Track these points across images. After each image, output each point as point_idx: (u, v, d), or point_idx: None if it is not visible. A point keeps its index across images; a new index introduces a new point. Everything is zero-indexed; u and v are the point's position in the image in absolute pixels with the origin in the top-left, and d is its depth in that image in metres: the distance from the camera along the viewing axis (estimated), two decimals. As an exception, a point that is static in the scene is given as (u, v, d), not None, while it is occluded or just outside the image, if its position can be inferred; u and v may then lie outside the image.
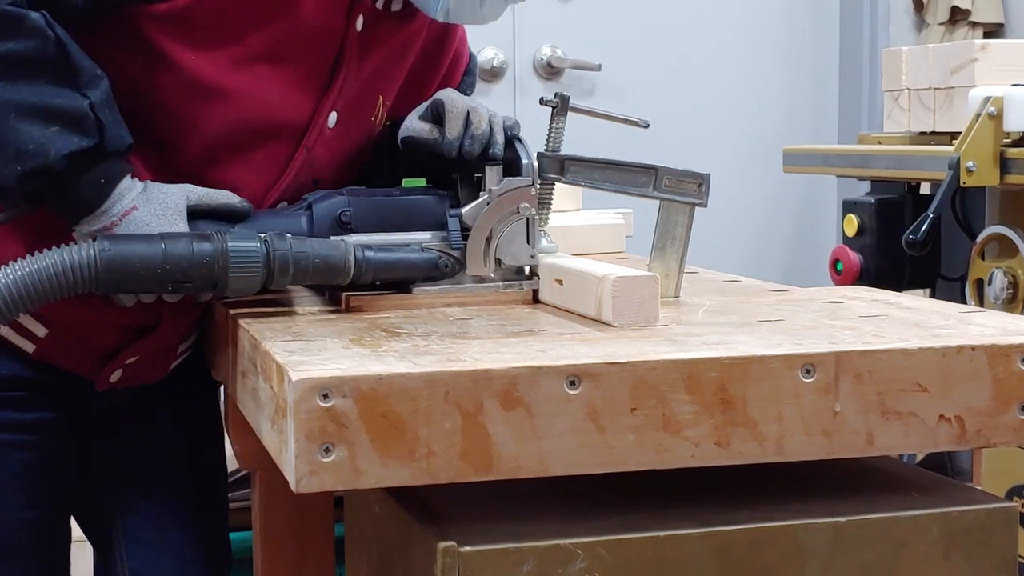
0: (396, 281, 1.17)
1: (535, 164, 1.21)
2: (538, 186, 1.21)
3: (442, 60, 1.36)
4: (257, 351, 1.00)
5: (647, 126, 1.25)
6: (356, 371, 0.87)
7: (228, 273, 1.08)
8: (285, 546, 1.16)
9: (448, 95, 1.24)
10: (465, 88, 1.39)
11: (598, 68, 3.29)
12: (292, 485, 0.87)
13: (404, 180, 1.35)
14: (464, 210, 1.19)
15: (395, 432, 0.87)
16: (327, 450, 0.86)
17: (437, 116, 1.25)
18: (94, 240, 1.07)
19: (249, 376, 1.04)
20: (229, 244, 1.09)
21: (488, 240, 1.17)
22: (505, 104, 3.26)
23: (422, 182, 1.32)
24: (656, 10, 3.36)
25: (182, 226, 1.13)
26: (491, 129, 1.21)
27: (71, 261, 1.04)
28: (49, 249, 1.05)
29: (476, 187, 1.21)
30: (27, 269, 1.03)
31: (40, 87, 1.05)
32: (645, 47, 3.34)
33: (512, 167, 1.21)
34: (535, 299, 1.20)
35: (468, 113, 1.22)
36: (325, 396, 0.86)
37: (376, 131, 1.32)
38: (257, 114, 1.19)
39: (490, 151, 1.20)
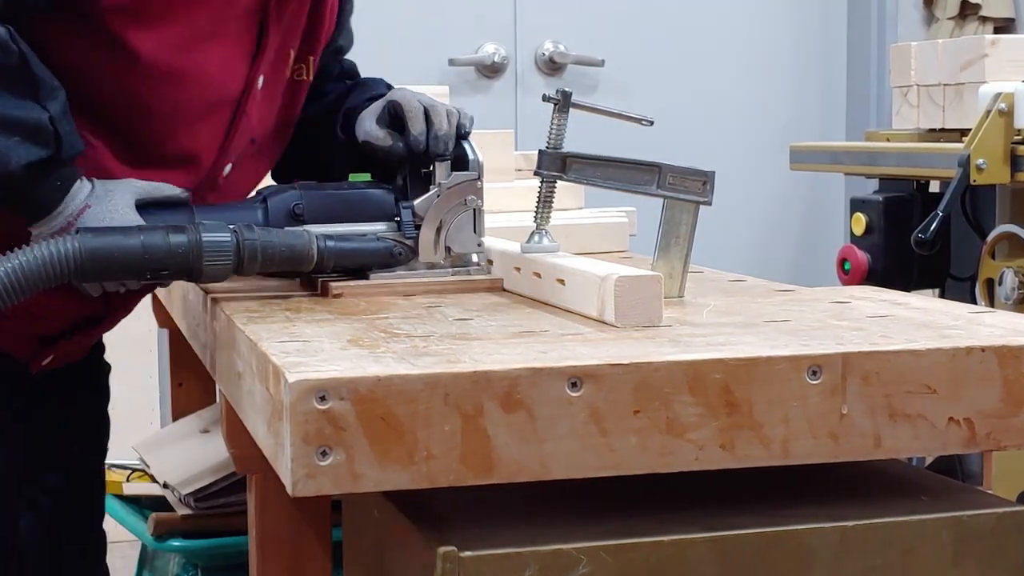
0: (354, 268, 1.28)
1: (480, 159, 1.31)
2: (482, 180, 1.31)
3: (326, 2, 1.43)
4: (254, 352, 1.00)
5: (651, 123, 1.24)
6: (354, 372, 0.87)
7: (202, 262, 1.17)
8: (281, 551, 1.15)
9: (402, 95, 1.34)
10: (346, 11, 1.48)
11: (601, 64, 3.28)
12: (288, 489, 0.86)
13: (350, 175, 1.44)
14: (416, 202, 1.29)
15: (394, 435, 0.86)
16: (324, 453, 0.85)
17: (394, 116, 1.33)
18: (76, 232, 1.15)
19: (245, 377, 1.03)
20: (203, 235, 1.17)
21: (439, 230, 1.29)
22: (506, 100, 3.25)
23: (367, 177, 1.41)
24: (660, 5, 3.35)
25: (134, 218, 1.21)
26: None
27: (57, 253, 1.11)
28: (25, 245, 1.12)
29: (425, 181, 1.32)
30: (17, 261, 1.10)
31: (2, 99, 1.12)
32: (649, 43, 3.33)
33: (460, 162, 1.31)
34: (502, 288, 1.29)
35: (427, 111, 1.31)
36: (322, 398, 0.85)
37: (291, 82, 1.39)
38: (204, 88, 1.28)
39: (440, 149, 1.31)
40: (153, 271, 1.16)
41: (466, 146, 1.32)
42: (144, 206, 1.23)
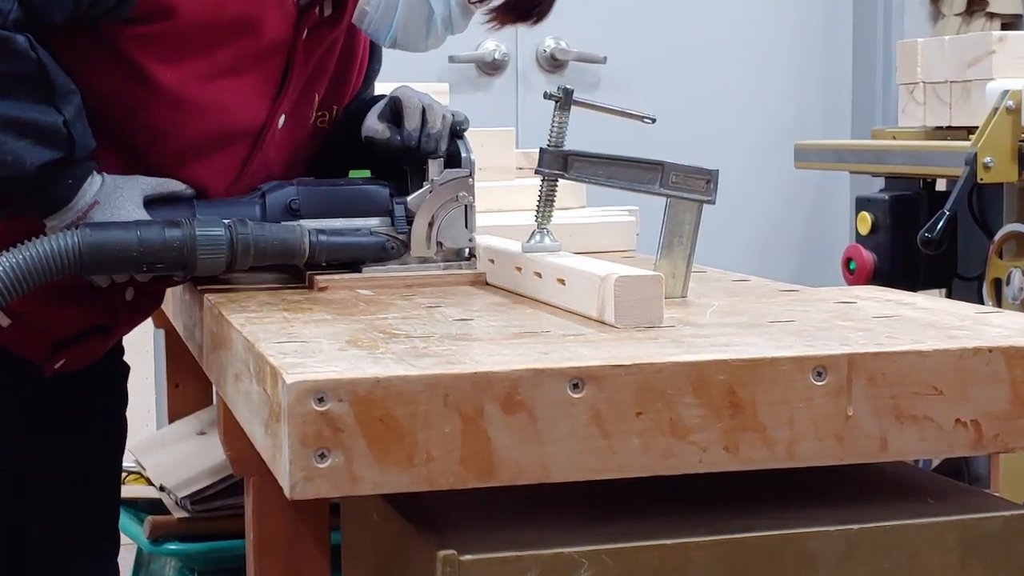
0: (347, 262, 1.31)
1: (473, 158, 1.35)
2: (474, 177, 1.34)
3: (355, 51, 1.46)
4: (251, 353, 0.99)
5: (653, 121, 1.24)
6: (352, 374, 0.86)
7: (196, 256, 1.22)
8: (279, 555, 1.14)
9: (404, 93, 1.37)
10: (374, 70, 1.53)
11: (603, 61, 3.27)
12: (286, 492, 0.85)
13: (350, 171, 1.47)
14: (409, 198, 1.34)
15: (393, 437, 0.85)
16: (322, 455, 0.85)
17: (395, 112, 1.37)
18: (76, 228, 1.19)
19: (242, 378, 1.03)
20: (197, 230, 1.22)
21: (431, 225, 1.33)
22: (507, 98, 3.24)
23: (366, 173, 1.45)
24: (662, 2, 3.34)
25: (141, 214, 1.25)
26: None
27: (58, 247, 1.16)
28: (28, 240, 1.16)
29: (424, 178, 1.36)
30: (20, 256, 1.14)
31: (20, 103, 1.17)
32: (651, 39, 3.32)
33: (453, 160, 1.36)
34: (485, 281, 1.33)
35: (424, 110, 1.35)
36: (320, 400, 0.85)
37: (313, 128, 1.43)
38: (222, 122, 1.32)
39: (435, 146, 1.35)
40: (149, 264, 1.20)
41: (460, 144, 1.36)
42: (150, 202, 1.27)
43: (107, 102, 1.26)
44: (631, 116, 1.25)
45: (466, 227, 1.34)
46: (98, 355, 1.47)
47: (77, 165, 1.22)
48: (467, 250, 1.35)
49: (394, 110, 1.36)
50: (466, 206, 1.34)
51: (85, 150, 1.21)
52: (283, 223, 1.29)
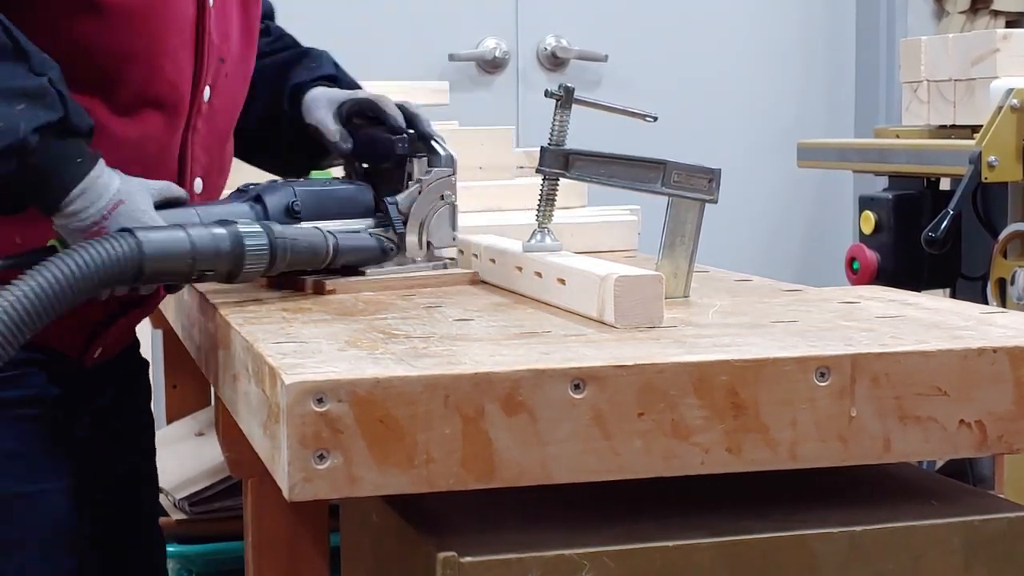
0: (354, 265, 1.29)
1: (454, 155, 1.34)
2: (456, 175, 1.34)
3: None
4: (249, 353, 0.98)
5: (655, 119, 1.23)
6: (352, 374, 0.85)
7: (244, 262, 1.15)
8: (278, 557, 1.14)
9: (384, 102, 1.36)
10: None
11: (604, 59, 3.26)
12: (285, 493, 0.85)
13: (311, 172, 1.46)
14: (400, 198, 1.32)
15: (393, 438, 0.85)
16: (322, 457, 0.84)
17: (356, 115, 1.36)
18: (127, 231, 1.08)
19: (241, 379, 1.02)
20: (243, 236, 1.15)
21: (421, 225, 1.32)
22: (507, 96, 3.23)
23: (328, 174, 1.45)
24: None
25: (156, 217, 1.17)
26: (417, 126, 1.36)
27: (115, 253, 1.05)
28: (78, 247, 1.05)
29: (399, 179, 1.34)
30: (73, 264, 1.02)
31: None
32: (653, 38, 3.31)
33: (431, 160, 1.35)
34: (484, 281, 1.33)
35: (402, 107, 1.34)
36: (319, 400, 0.84)
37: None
38: (168, 17, 1.26)
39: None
40: (200, 272, 1.12)
41: (436, 145, 1.34)
42: (158, 205, 1.20)
43: (71, 45, 1.19)
44: (632, 114, 1.25)
45: (451, 227, 1.33)
46: (130, 337, 1.43)
47: (79, 137, 1.13)
48: (449, 251, 1.35)
49: (357, 113, 1.36)
50: (451, 206, 1.33)
51: (80, 120, 1.13)
52: (299, 226, 1.25)
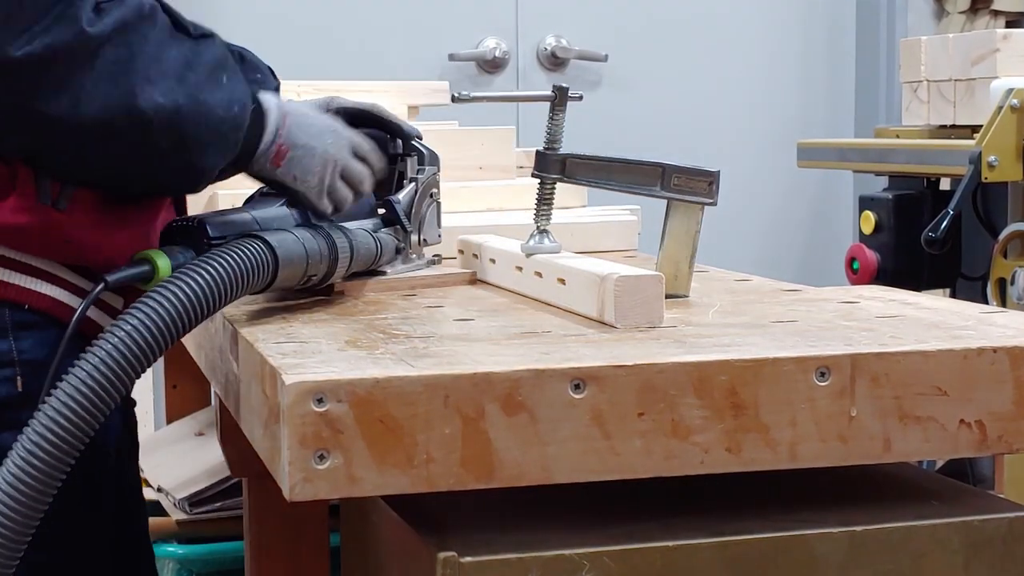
0: (377, 266, 1.28)
1: (436, 152, 1.34)
2: (439, 174, 1.35)
3: None
4: (250, 353, 0.98)
5: (580, 98, 1.21)
6: (352, 374, 0.85)
7: (336, 266, 1.14)
8: (278, 557, 1.14)
9: (371, 105, 1.34)
10: None
11: (604, 59, 3.26)
12: (285, 493, 0.85)
13: None
14: (401, 196, 1.32)
15: (393, 438, 0.85)
16: (322, 457, 0.84)
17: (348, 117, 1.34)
18: (255, 236, 1.05)
19: (241, 379, 1.02)
20: (333, 236, 1.13)
21: (420, 223, 1.34)
22: (507, 96, 3.22)
23: None
24: (665, -1, 3.33)
25: (331, 121, 1.17)
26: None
27: (251, 261, 1.02)
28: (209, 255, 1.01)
29: (390, 179, 1.35)
30: (214, 270, 0.98)
31: (185, 52, 1.04)
32: (653, 37, 3.31)
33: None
34: (484, 281, 1.33)
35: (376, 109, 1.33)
36: (319, 400, 0.84)
37: None
38: None
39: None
40: (308, 277, 1.11)
41: (418, 144, 1.34)
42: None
43: None
44: (534, 99, 1.25)
45: (438, 225, 1.35)
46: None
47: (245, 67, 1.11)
48: (435, 247, 1.36)
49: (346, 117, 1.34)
50: (438, 203, 1.34)
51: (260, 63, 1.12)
52: (351, 228, 1.23)
